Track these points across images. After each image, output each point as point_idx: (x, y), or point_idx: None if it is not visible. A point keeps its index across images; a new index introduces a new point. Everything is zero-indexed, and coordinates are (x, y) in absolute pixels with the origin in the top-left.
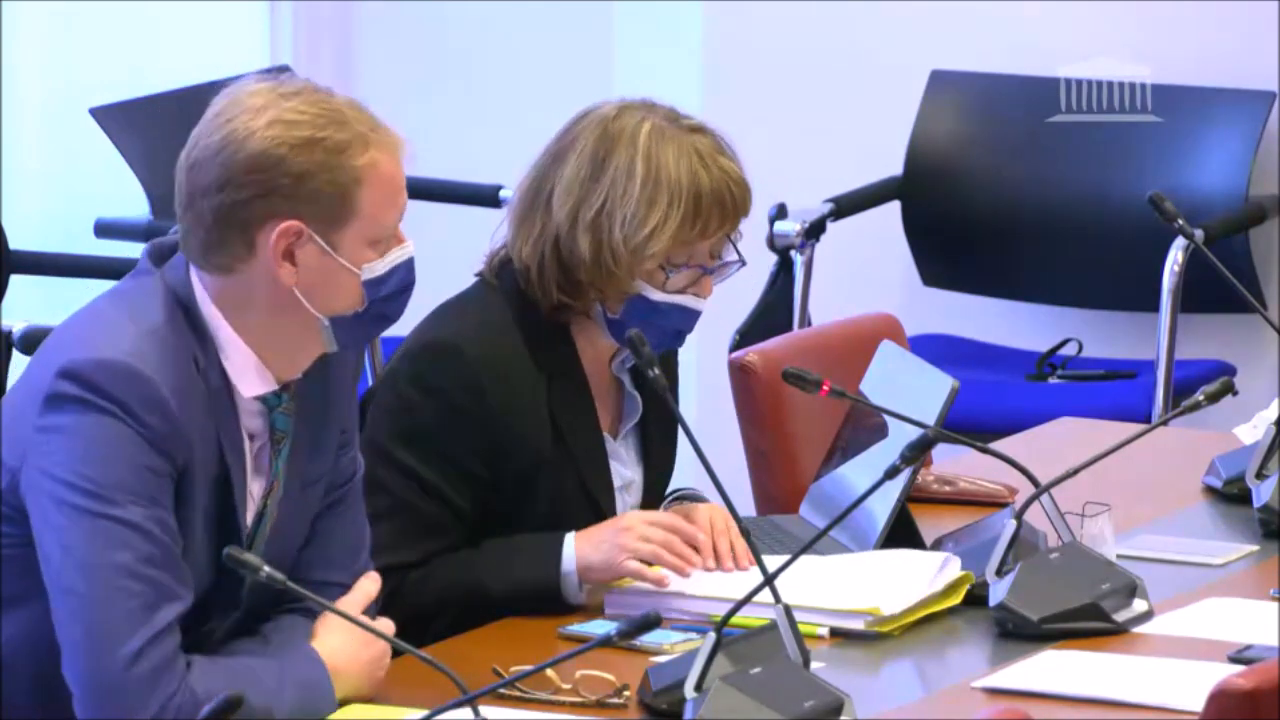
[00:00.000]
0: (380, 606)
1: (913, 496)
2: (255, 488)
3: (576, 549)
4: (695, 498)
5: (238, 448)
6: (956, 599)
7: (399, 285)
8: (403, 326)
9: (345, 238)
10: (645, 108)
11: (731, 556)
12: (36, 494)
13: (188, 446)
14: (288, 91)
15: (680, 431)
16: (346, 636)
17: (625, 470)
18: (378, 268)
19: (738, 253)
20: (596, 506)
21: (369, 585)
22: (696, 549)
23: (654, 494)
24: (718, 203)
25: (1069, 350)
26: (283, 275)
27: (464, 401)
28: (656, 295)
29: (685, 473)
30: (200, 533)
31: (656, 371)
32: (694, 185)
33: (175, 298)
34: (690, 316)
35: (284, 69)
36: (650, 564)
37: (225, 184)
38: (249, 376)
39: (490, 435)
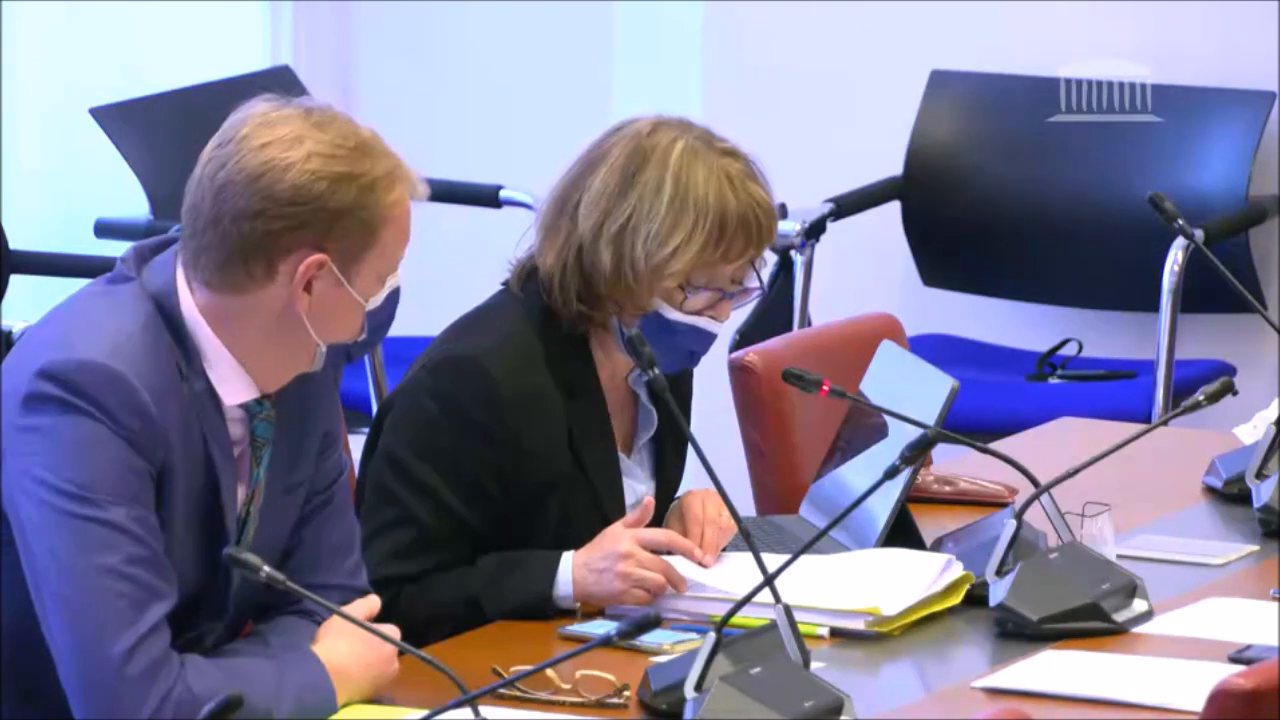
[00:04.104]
0: (376, 617)
1: (913, 496)
2: (238, 494)
3: (574, 574)
4: None
5: (226, 452)
6: (956, 599)
7: (388, 315)
8: (411, 328)
9: (361, 272)
10: (681, 126)
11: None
12: (18, 495)
13: (167, 447)
14: (320, 121)
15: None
16: (351, 640)
17: (639, 485)
18: (379, 299)
19: (759, 279)
20: (607, 522)
21: (368, 604)
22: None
23: (662, 506)
24: (743, 227)
25: (1069, 350)
26: (298, 303)
27: (483, 420)
28: (673, 315)
29: (686, 472)
30: (184, 536)
31: (656, 371)
32: (721, 208)
33: (156, 303)
34: (705, 338)
35: (284, 69)
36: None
37: (261, 213)
38: (232, 385)
39: (507, 454)
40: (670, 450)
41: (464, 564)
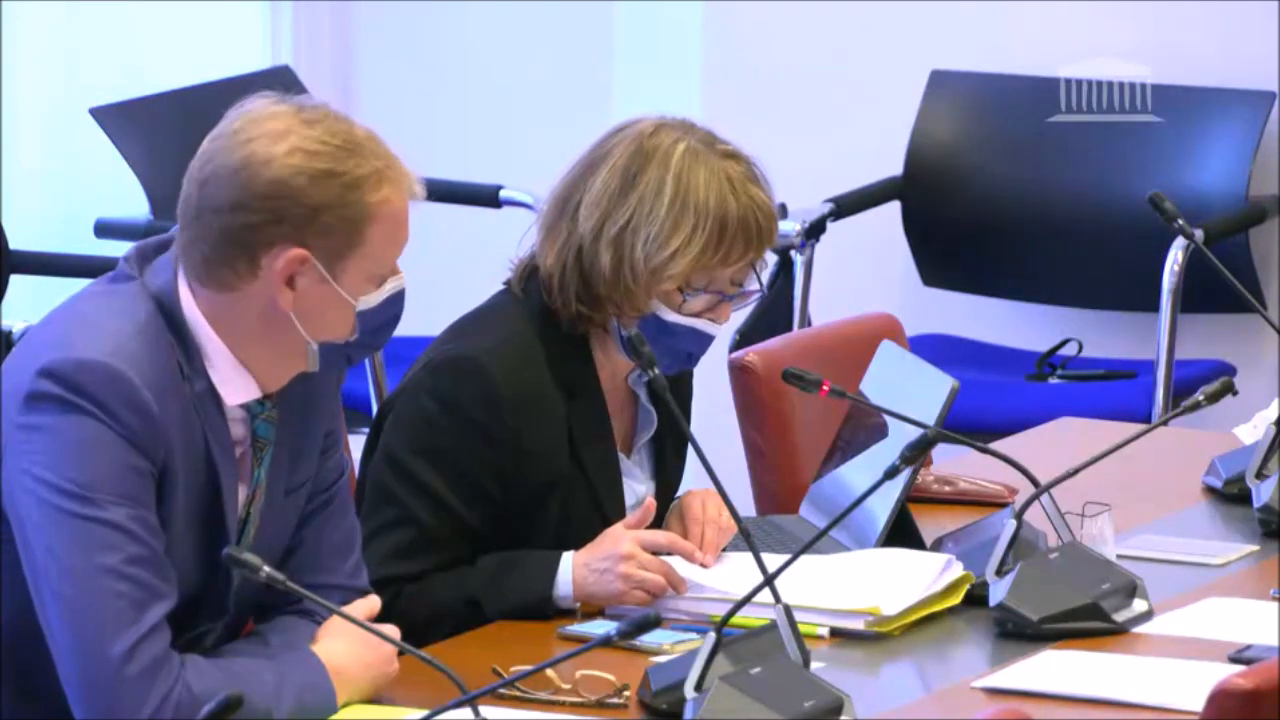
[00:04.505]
0: (377, 617)
1: (913, 496)
2: (239, 494)
3: (574, 574)
4: None
5: (228, 452)
6: (956, 599)
7: (389, 316)
8: (411, 328)
9: (348, 270)
10: (683, 128)
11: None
12: (18, 494)
13: (168, 447)
14: (310, 118)
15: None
16: (351, 640)
17: (638, 486)
18: (373, 299)
19: (759, 281)
20: (607, 523)
21: (369, 604)
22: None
23: (662, 507)
24: (743, 230)
25: (1069, 350)
26: (281, 299)
27: (484, 420)
28: (671, 316)
29: (686, 472)
30: (185, 535)
31: (656, 371)
32: (721, 211)
33: (158, 303)
34: (703, 340)
35: (284, 69)
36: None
37: (239, 206)
38: (234, 385)
39: (508, 454)
40: (670, 450)
41: (464, 564)
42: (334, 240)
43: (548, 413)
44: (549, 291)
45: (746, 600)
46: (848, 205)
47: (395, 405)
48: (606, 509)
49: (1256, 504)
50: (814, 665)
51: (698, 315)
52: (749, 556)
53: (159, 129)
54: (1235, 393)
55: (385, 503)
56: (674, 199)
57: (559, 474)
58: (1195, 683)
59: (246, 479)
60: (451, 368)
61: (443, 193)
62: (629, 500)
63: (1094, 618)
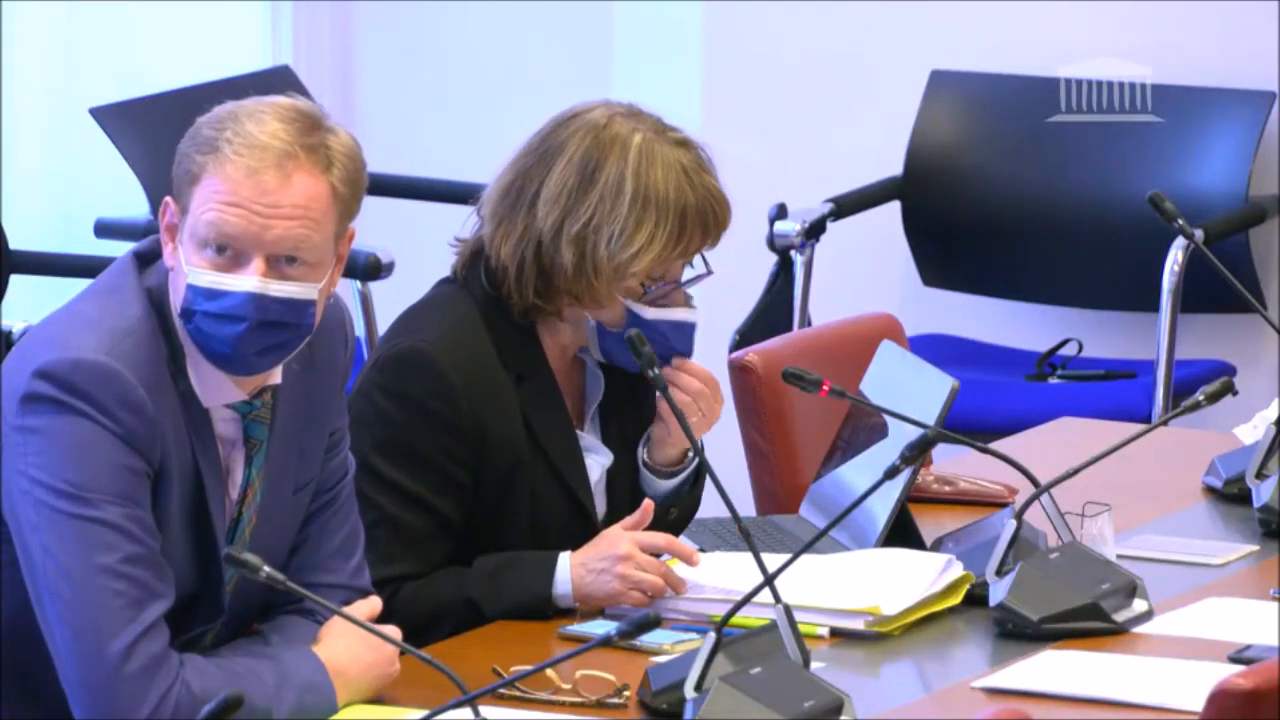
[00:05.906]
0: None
1: (913, 496)
2: (231, 493)
3: (572, 574)
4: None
5: (211, 452)
6: (956, 599)
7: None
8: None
9: (185, 225)
10: (633, 116)
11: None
12: (16, 495)
13: (164, 446)
14: (268, 100)
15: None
16: (352, 641)
17: (600, 459)
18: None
19: (705, 263)
20: (575, 500)
21: (370, 605)
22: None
23: (627, 471)
24: (700, 222)
25: (1069, 350)
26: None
27: (438, 408)
28: (650, 313)
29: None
30: (181, 535)
31: (656, 372)
32: (680, 204)
33: (153, 303)
34: (686, 330)
35: (284, 69)
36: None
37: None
38: (211, 385)
39: (467, 440)
40: (629, 416)
41: (447, 555)
42: (181, 201)
43: (499, 397)
44: (503, 283)
45: (746, 600)
46: (848, 205)
47: (351, 408)
48: (571, 485)
49: (1256, 504)
50: (814, 665)
51: (654, 304)
52: (749, 556)
53: (159, 129)
54: (1235, 393)
55: (361, 507)
56: (635, 195)
57: (520, 455)
58: (1195, 683)
59: (237, 478)
60: (397, 362)
61: (442, 193)
62: (593, 476)
63: (1094, 618)
